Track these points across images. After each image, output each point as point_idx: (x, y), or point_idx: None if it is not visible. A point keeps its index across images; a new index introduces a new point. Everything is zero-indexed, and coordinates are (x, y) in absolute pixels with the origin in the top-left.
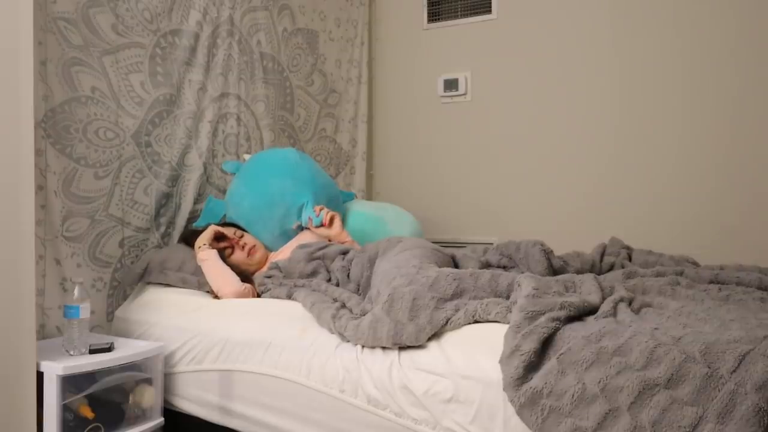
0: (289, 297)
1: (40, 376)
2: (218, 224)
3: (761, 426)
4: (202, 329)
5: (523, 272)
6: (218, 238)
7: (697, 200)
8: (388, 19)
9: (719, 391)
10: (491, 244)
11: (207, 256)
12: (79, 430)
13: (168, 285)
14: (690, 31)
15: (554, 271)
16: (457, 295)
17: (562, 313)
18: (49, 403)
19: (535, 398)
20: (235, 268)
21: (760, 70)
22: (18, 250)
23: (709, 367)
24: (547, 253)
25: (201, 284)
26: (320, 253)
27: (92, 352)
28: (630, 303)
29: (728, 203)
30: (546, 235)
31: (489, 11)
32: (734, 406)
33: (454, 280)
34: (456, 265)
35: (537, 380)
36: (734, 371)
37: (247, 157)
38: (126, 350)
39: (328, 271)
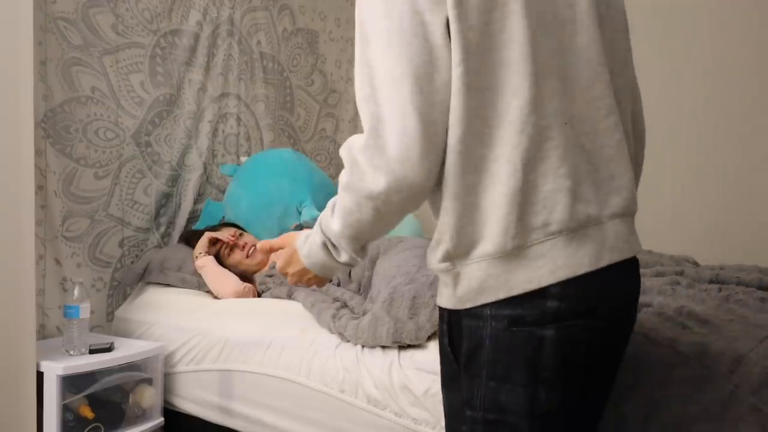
0: (290, 296)
1: (40, 376)
2: (218, 225)
3: (758, 427)
4: (202, 329)
5: None
6: (214, 242)
7: (697, 200)
8: None
9: (716, 393)
10: None
11: (204, 263)
12: (79, 430)
13: (168, 285)
14: (689, 29)
15: None
16: None
17: None
18: (49, 403)
19: None
20: (235, 268)
21: None
22: (18, 250)
23: (707, 369)
24: None
25: (201, 284)
26: None
27: (92, 352)
28: None
29: (729, 203)
30: None
31: None
32: (731, 407)
33: None
34: None
35: None
36: (732, 373)
37: (244, 159)
38: (126, 350)
39: None
